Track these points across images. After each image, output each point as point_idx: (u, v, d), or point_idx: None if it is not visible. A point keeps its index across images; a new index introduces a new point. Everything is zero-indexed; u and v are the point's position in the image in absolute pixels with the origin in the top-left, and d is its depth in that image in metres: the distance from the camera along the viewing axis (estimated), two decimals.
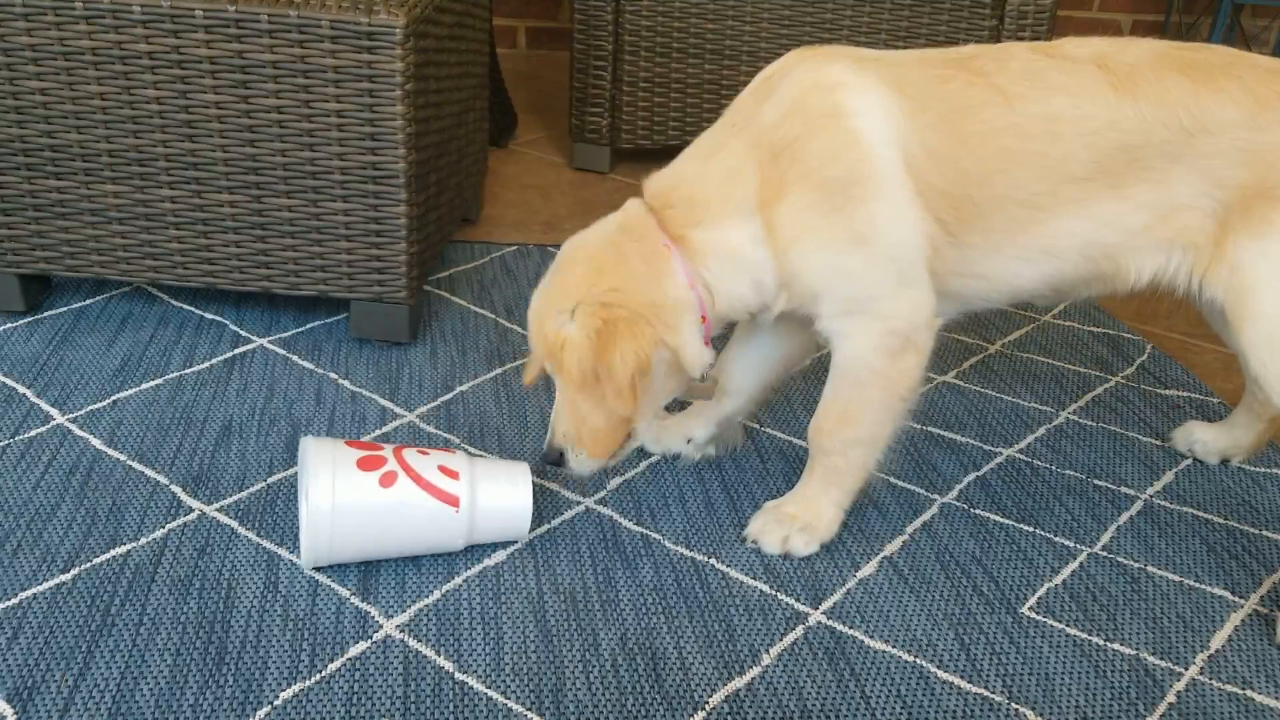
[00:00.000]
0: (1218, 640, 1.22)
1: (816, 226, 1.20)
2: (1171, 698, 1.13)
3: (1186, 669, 1.17)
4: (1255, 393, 1.47)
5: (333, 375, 1.64)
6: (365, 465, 1.19)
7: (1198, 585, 1.31)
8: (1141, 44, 1.23)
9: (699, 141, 1.29)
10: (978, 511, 1.42)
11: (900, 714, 1.09)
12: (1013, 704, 1.11)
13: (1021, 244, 1.25)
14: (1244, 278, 1.21)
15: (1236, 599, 1.29)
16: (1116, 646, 1.20)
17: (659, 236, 1.23)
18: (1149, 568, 1.33)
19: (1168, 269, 1.26)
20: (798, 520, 1.31)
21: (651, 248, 1.23)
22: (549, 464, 1.29)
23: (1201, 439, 1.57)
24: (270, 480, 1.38)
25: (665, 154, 2.91)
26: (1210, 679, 1.16)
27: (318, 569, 1.22)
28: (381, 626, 1.15)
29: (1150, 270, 1.27)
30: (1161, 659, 1.18)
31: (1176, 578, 1.32)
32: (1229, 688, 1.15)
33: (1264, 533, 1.41)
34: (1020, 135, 1.19)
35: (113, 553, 1.23)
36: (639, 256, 1.22)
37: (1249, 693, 1.15)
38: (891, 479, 1.47)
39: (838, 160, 1.18)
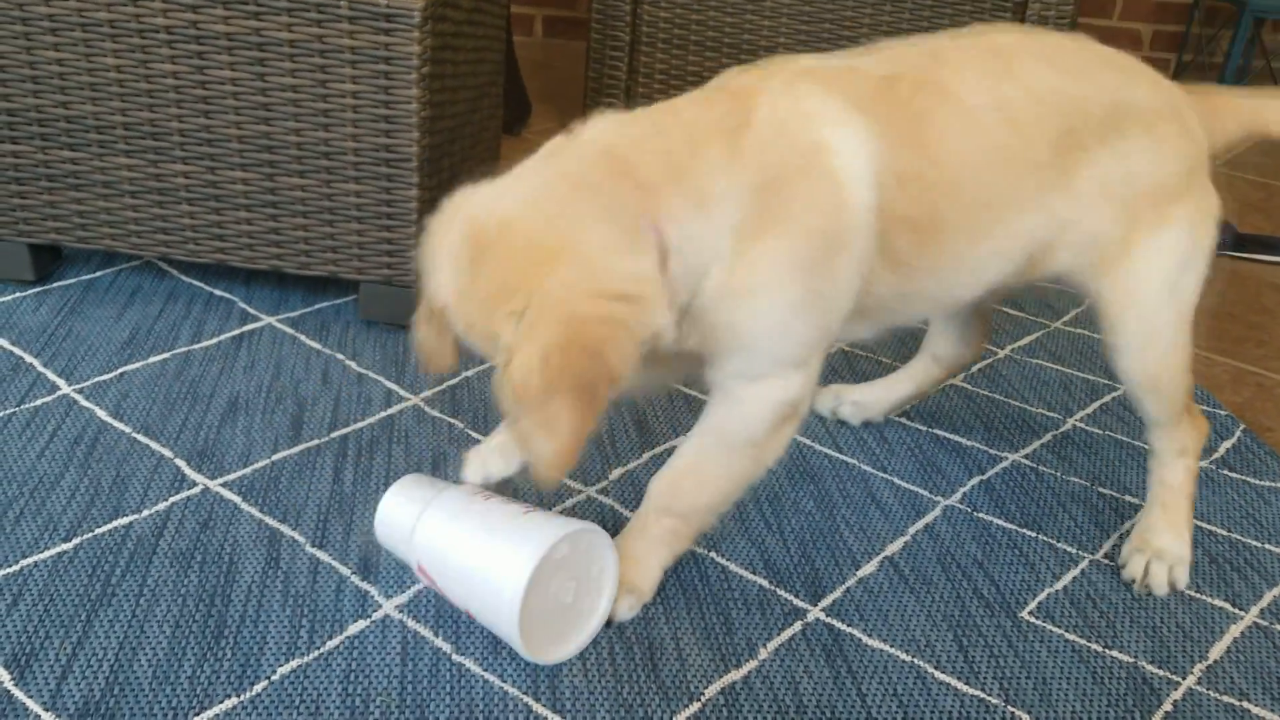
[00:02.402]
0: (1216, 651, 1.22)
1: (783, 282, 1.05)
2: (1168, 706, 1.13)
3: (1184, 678, 1.17)
4: (935, 349, 1.53)
5: (340, 356, 1.64)
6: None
7: (1198, 596, 1.30)
8: (1047, 32, 1.20)
9: (673, 109, 1.08)
10: (981, 515, 1.42)
11: (896, 713, 1.09)
12: (1009, 707, 1.11)
13: (977, 253, 1.17)
14: (1136, 273, 1.21)
15: (1237, 611, 1.28)
16: (1115, 654, 1.20)
17: (633, 194, 0.98)
18: None
19: (1074, 263, 1.22)
20: (624, 583, 1.16)
21: (625, 207, 0.97)
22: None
23: (854, 400, 1.59)
24: (275, 458, 1.38)
25: None
26: (1208, 689, 1.16)
27: (318, 547, 1.22)
28: (381, 606, 1.15)
29: (1063, 265, 1.22)
30: (1160, 668, 1.18)
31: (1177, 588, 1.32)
32: (1226, 698, 1.15)
33: (1266, 546, 1.41)
34: (979, 132, 1.11)
35: (115, 524, 1.23)
36: (606, 216, 0.96)
37: (1245, 704, 1.14)
38: (895, 479, 1.47)
39: (820, 208, 1.04)
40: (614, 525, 1.32)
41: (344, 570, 1.20)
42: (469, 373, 1.63)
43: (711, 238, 1.02)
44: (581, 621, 1.13)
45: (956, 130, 1.10)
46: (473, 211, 0.98)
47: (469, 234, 0.97)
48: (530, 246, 0.94)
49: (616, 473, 1.43)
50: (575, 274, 0.92)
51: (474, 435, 1.47)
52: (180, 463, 1.35)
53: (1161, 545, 1.31)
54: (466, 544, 1.08)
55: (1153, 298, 1.22)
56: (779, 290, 1.05)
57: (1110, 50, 1.20)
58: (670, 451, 1.47)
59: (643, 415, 1.56)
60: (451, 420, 1.50)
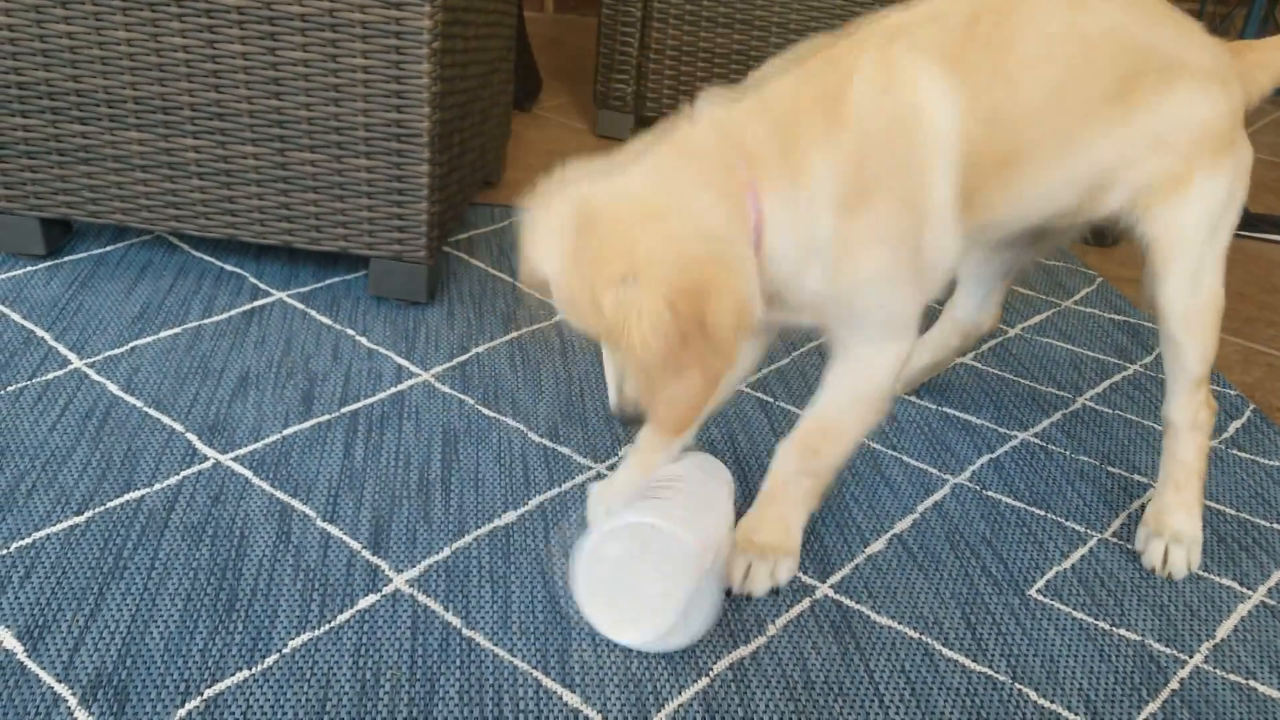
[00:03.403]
0: (1224, 630, 1.22)
1: (884, 257, 1.10)
2: (1175, 684, 1.13)
3: (1191, 657, 1.17)
4: (956, 313, 1.57)
5: (350, 331, 1.64)
6: None
7: (1206, 575, 1.31)
8: None
9: (776, 84, 1.10)
10: (990, 493, 1.42)
11: (904, 689, 1.09)
12: (1016, 684, 1.11)
13: (1052, 179, 1.21)
14: (1187, 213, 1.26)
15: (1244, 590, 1.29)
16: (1122, 632, 1.20)
17: (740, 165, 1.03)
18: None
19: (1126, 202, 1.27)
20: (780, 549, 1.22)
21: (730, 176, 1.03)
22: (625, 424, 1.16)
23: None
24: (285, 432, 1.38)
25: None
26: (1214, 668, 1.16)
27: (329, 521, 1.23)
28: (391, 580, 1.16)
29: (1116, 203, 1.26)
30: (1167, 646, 1.18)
31: None
32: (1233, 677, 1.15)
33: (1275, 526, 1.41)
34: (1058, 58, 1.15)
35: (126, 497, 1.24)
36: (713, 187, 1.02)
37: (1252, 683, 1.15)
38: (905, 457, 1.47)
39: (913, 176, 1.09)
40: None
41: (354, 545, 1.20)
42: (479, 349, 1.63)
43: (810, 212, 1.06)
44: (647, 616, 1.09)
45: (1036, 56, 1.14)
46: (580, 189, 1.02)
47: (576, 208, 1.01)
48: (635, 212, 0.99)
49: (626, 450, 1.43)
50: (679, 227, 0.98)
51: (484, 411, 1.47)
52: (191, 437, 1.36)
53: (1178, 527, 1.31)
54: None
55: (1201, 236, 1.27)
56: (883, 266, 1.11)
57: (1169, 6, 1.25)
58: None
59: None
60: (462, 396, 1.51)
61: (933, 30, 1.12)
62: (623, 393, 1.09)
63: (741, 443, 1.47)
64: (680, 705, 1.05)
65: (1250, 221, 2.43)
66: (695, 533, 1.07)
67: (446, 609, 1.13)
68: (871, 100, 1.08)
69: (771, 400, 1.58)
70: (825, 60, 1.11)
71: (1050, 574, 1.28)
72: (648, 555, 1.08)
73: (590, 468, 1.38)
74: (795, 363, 1.69)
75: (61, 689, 0.99)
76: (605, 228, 0.99)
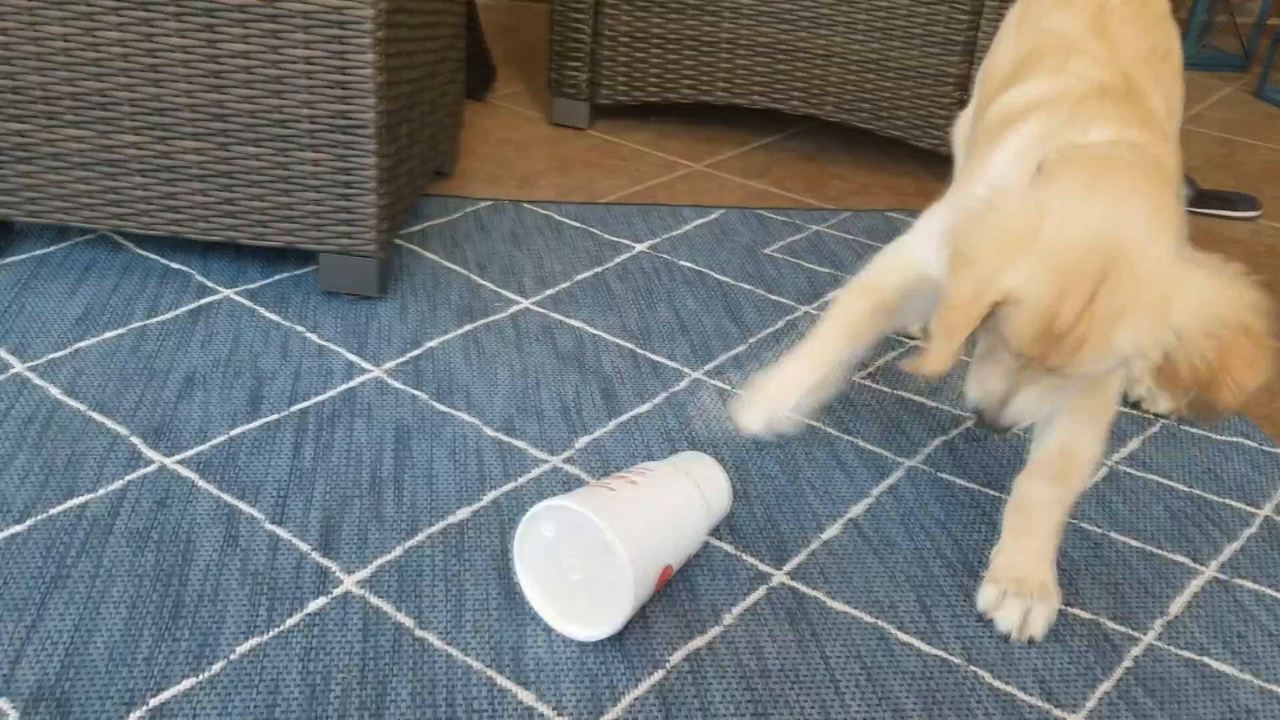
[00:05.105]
0: (1176, 606, 1.23)
1: None
2: (1128, 662, 1.14)
3: (1144, 634, 1.18)
4: None
5: (299, 328, 1.62)
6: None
7: (1158, 551, 1.31)
8: None
9: None
10: (943, 475, 1.42)
11: (859, 674, 1.09)
12: (971, 666, 1.11)
13: None
14: None
15: (1197, 565, 1.29)
16: (1075, 611, 1.20)
17: None
18: (1111, 534, 1.34)
19: None
20: (1049, 587, 1.18)
21: None
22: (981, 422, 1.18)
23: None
24: (233, 433, 1.36)
25: (644, 111, 2.87)
26: (1168, 644, 1.17)
27: (277, 523, 1.21)
28: (341, 582, 1.14)
29: None
30: (1120, 624, 1.19)
31: (1138, 544, 1.32)
32: (1186, 653, 1.16)
33: (1227, 501, 1.42)
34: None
35: (69, 503, 1.22)
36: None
37: (1205, 659, 1.15)
38: (859, 441, 1.47)
39: None
40: None
41: (303, 546, 1.19)
42: (432, 343, 1.61)
43: None
44: (598, 607, 1.09)
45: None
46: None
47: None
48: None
49: (582, 441, 1.42)
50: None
51: (437, 406, 1.46)
52: (136, 440, 1.33)
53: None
54: None
55: None
56: None
57: None
58: (636, 419, 1.47)
59: (609, 385, 1.55)
60: (414, 391, 1.49)
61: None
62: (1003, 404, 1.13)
63: (698, 432, 1.46)
64: (636, 699, 1.04)
65: (1201, 198, 2.44)
66: (619, 528, 1.05)
67: (398, 609, 1.12)
68: None
69: (730, 388, 1.57)
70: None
71: None
72: (574, 545, 1.09)
73: (546, 461, 1.37)
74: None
75: (1, 703, 0.97)
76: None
